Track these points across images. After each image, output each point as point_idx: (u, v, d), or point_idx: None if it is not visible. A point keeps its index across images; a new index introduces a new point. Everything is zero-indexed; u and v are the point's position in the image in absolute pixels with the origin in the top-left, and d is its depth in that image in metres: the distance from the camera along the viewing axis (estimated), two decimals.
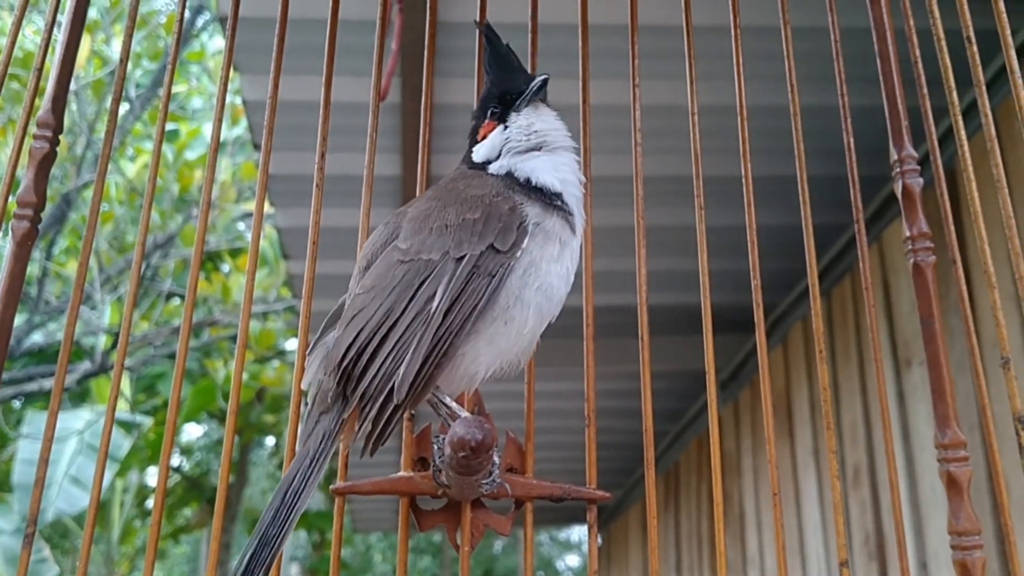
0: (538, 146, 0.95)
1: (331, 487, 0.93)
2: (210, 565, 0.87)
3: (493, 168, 0.96)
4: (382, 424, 0.82)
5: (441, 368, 0.83)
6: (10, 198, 0.91)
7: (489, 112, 0.98)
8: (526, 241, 0.87)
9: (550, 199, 0.92)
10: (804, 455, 3.67)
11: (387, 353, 0.82)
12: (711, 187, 1.98)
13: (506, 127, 0.97)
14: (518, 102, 0.97)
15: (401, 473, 0.93)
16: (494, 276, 0.84)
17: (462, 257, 0.85)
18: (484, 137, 0.98)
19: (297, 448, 0.84)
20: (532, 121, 0.96)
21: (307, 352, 0.90)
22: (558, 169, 0.94)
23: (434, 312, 0.82)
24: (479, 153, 0.98)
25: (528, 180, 0.93)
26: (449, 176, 0.99)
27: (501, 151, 0.96)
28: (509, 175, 0.94)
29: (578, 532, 14.25)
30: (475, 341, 0.84)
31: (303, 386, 0.89)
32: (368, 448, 0.83)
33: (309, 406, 0.86)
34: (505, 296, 0.85)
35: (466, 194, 0.90)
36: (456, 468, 0.81)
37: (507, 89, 0.98)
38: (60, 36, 0.97)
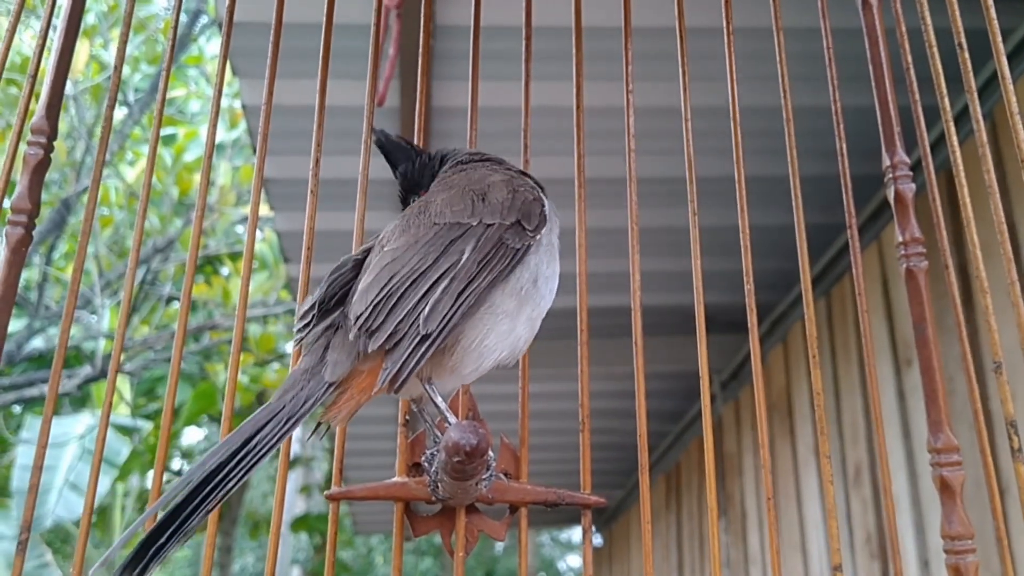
0: None
1: (325, 493, 0.93)
2: (204, 567, 0.87)
3: None
4: (408, 359, 0.80)
5: (467, 318, 0.84)
6: (5, 204, 0.91)
7: None
8: (545, 228, 0.91)
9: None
10: (805, 454, 3.67)
11: (420, 294, 0.82)
12: (711, 187, 1.98)
13: None
14: None
15: (396, 478, 0.93)
16: (518, 250, 0.88)
17: (491, 224, 0.88)
18: None
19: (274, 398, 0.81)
20: None
21: (301, 314, 0.89)
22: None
23: (465, 262, 0.84)
24: None
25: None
26: (475, 166, 1.00)
27: None
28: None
29: (579, 533, 14.24)
30: (495, 316, 0.86)
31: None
32: (393, 386, 0.80)
33: (300, 365, 0.84)
34: (527, 274, 0.88)
35: (496, 182, 0.94)
36: (451, 473, 0.81)
37: None
38: (55, 41, 0.96)
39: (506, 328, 0.87)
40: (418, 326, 0.80)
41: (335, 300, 0.88)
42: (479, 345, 0.86)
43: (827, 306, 3.52)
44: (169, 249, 6.09)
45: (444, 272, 0.84)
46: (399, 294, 0.83)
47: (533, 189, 0.95)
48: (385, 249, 0.89)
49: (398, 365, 0.80)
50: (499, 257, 0.86)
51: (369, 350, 0.81)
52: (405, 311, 0.82)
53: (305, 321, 0.88)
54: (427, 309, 0.81)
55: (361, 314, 0.82)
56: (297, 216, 3.30)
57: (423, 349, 0.80)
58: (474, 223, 0.88)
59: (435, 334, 0.81)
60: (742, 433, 4.39)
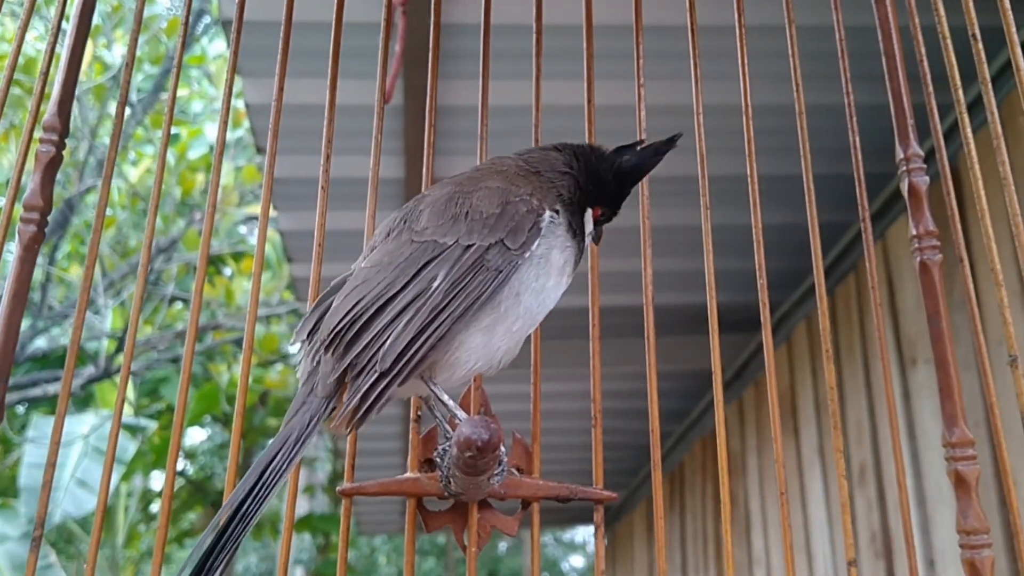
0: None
1: (338, 488, 0.92)
2: None
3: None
4: (365, 395, 0.79)
5: (436, 350, 0.82)
6: (17, 203, 0.91)
7: (608, 208, 0.98)
8: (537, 243, 0.87)
9: (575, 233, 0.92)
10: (809, 454, 3.67)
11: (382, 324, 0.81)
12: (716, 186, 1.98)
13: (601, 221, 0.98)
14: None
15: (408, 474, 0.93)
16: (501, 271, 0.84)
17: (470, 245, 0.85)
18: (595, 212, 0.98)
19: (282, 425, 0.82)
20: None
21: (298, 325, 0.89)
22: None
23: (434, 291, 0.81)
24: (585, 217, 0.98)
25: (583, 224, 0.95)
26: (495, 165, 0.97)
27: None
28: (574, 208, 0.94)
29: (582, 533, 14.23)
30: (468, 329, 0.84)
31: (299, 377, 0.88)
32: (350, 422, 0.80)
33: (299, 382, 0.85)
34: (506, 289, 0.85)
35: (492, 189, 0.90)
36: (462, 468, 0.81)
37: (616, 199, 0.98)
38: (65, 40, 0.97)
39: (479, 342, 0.85)
40: (376, 361, 0.79)
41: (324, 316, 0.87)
42: (449, 357, 0.84)
43: (831, 306, 3.51)
44: (172, 249, 6.09)
45: (411, 302, 0.81)
46: (362, 321, 0.81)
47: (530, 198, 0.90)
48: (363, 265, 0.88)
49: (354, 400, 0.79)
50: (477, 283, 0.83)
51: (329, 380, 0.81)
52: (365, 343, 0.80)
53: (301, 338, 0.88)
54: (388, 343, 0.80)
55: (326, 339, 0.82)
56: (300, 215, 3.30)
57: (381, 386, 0.79)
58: (450, 243, 0.85)
59: (394, 372, 0.79)
60: (745, 433, 4.39)
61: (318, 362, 0.84)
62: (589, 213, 0.96)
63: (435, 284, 0.82)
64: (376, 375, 0.79)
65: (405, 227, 0.89)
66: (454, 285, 0.82)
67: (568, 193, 0.95)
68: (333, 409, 0.82)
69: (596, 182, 0.96)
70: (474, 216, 0.87)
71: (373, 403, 0.80)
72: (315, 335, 0.87)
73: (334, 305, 0.85)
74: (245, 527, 0.75)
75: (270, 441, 0.79)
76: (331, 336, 0.82)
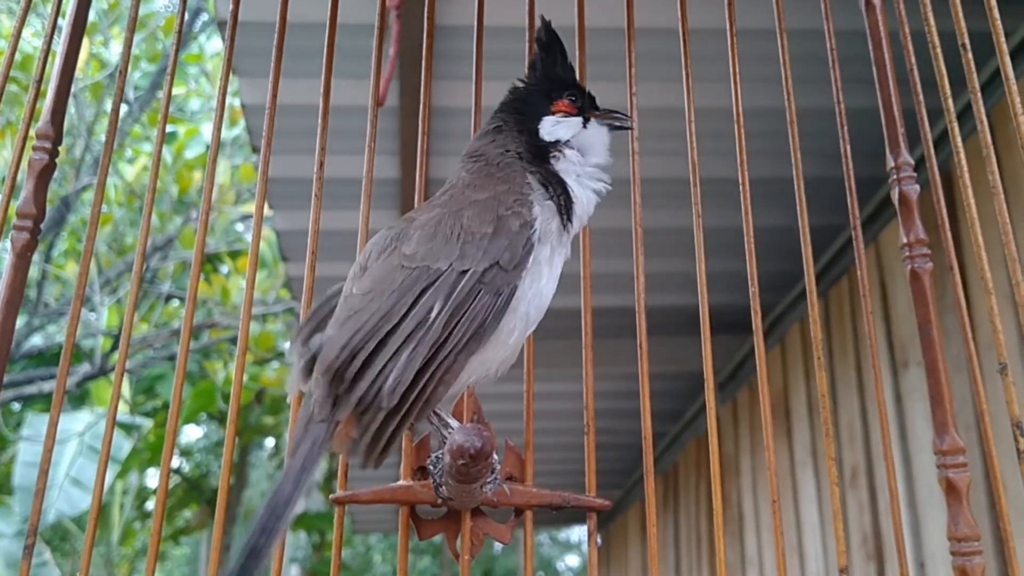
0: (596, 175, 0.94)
1: (331, 496, 0.92)
2: (211, 567, 0.87)
3: (556, 152, 0.94)
4: (377, 435, 0.78)
5: (445, 384, 0.80)
6: (10, 206, 0.91)
7: (568, 94, 0.95)
8: (531, 259, 0.85)
9: (562, 206, 0.90)
10: (802, 456, 3.67)
11: (384, 359, 0.78)
12: (710, 188, 1.98)
13: (585, 126, 0.95)
14: (603, 110, 0.94)
15: (401, 482, 0.93)
16: (501, 295, 0.82)
17: (466, 271, 0.82)
18: (559, 112, 0.95)
19: (286, 455, 0.80)
20: (604, 147, 0.95)
21: (288, 351, 0.88)
22: (587, 202, 0.93)
23: (433, 322, 0.79)
24: (548, 129, 0.95)
25: (563, 182, 0.92)
26: (466, 176, 0.94)
27: (573, 147, 0.95)
28: (547, 167, 0.93)
29: (578, 532, 14.23)
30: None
31: (289, 388, 0.87)
32: (368, 460, 0.79)
33: (300, 411, 0.83)
34: (507, 309, 0.83)
35: (480, 203, 0.87)
36: (455, 476, 0.81)
37: (577, 88, 0.95)
38: (60, 45, 0.96)
39: (475, 360, 0.83)
40: (382, 399, 0.77)
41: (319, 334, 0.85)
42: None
43: (824, 308, 3.52)
44: (168, 247, 6.08)
45: (410, 334, 0.78)
46: (363, 356, 0.78)
47: (520, 211, 0.86)
48: (354, 290, 0.84)
49: (366, 439, 0.78)
50: (478, 309, 0.80)
51: (325, 404, 0.79)
52: (370, 379, 0.78)
53: (297, 350, 0.85)
54: (390, 379, 0.77)
55: (325, 372, 0.79)
56: (295, 215, 3.29)
57: (392, 426, 0.78)
58: (444, 268, 0.82)
59: (403, 411, 0.78)
60: (739, 434, 4.39)
61: (312, 381, 0.82)
62: (580, 192, 0.94)
63: (433, 314, 0.79)
64: (384, 414, 0.77)
65: (395, 249, 0.86)
66: (453, 315, 0.80)
67: (542, 176, 0.92)
68: (334, 430, 0.80)
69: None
70: (467, 238, 0.84)
71: (388, 442, 0.78)
72: (310, 343, 0.84)
73: (328, 334, 0.82)
74: (259, 560, 0.73)
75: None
76: (331, 374, 0.79)
